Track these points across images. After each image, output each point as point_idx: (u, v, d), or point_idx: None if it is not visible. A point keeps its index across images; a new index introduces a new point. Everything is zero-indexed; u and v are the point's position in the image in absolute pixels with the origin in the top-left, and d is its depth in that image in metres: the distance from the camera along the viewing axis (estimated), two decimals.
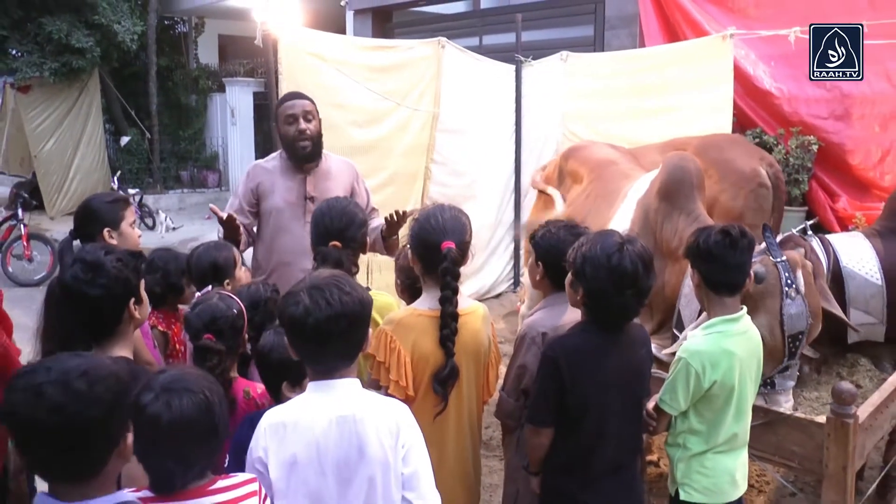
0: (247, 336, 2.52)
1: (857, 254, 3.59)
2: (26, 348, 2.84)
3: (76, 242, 2.96)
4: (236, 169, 15.29)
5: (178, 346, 3.08)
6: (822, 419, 2.75)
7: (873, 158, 6.72)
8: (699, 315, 2.75)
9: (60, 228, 11.03)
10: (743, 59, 7.11)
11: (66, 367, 1.45)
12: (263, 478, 1.86)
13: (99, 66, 13.08)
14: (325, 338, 1.90)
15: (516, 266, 7.93)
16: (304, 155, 3.70)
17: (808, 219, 6.54)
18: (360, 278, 2.89)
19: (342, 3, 11.85)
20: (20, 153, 13.49)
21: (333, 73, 5.77)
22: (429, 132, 6.79)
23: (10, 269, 9.08)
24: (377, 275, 3.76)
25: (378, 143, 6.27)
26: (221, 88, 15.68)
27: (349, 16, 11.93)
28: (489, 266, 7.79)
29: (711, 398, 2.47)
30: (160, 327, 3.07)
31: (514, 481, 2.69)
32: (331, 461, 1.88)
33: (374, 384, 2.49)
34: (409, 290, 2.90)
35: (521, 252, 7.40)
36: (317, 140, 3.73)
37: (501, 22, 9.71)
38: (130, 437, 1.54)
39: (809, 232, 3.83)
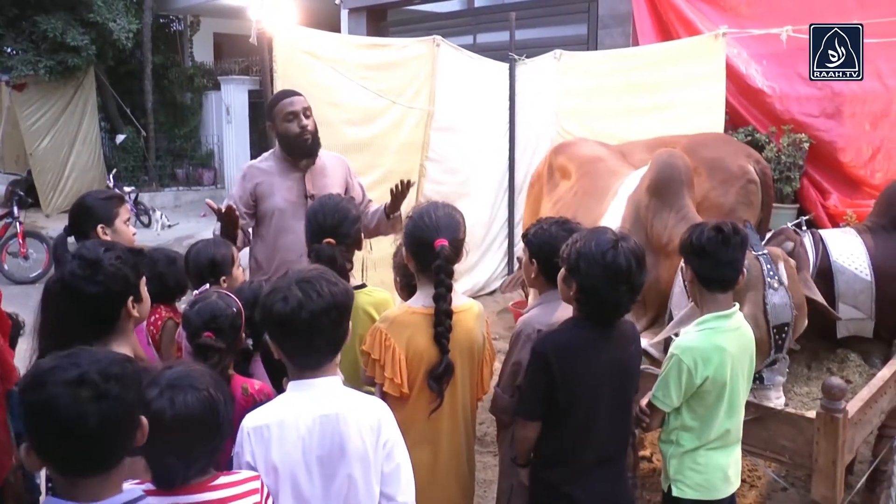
0: (244, 334, 2.53)
1: (847, 249, 3.62)
2: (23, 345, 2.85)
3: (71, 239, 2.97)
4: (231, 167, 15.28)
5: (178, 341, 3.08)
6: (812, 414, 2.77)
7: (864, 156, 6.76)
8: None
9: (56, 226, 11.00)
10: (735, 57, 7.14)
11: (96, 359, 1.41)
12: None
13: (94, 64, 13.07)
14: (317, 330, 1.92)
15: (510, 263, 7.96)
16: (306, 150, 3.71)
17: (799, 216, 6.59)
18: (353, 275, 2.91)
19: (336, 2, 11.85)
20: (16, 151, 13.50)
21: (328, 72, 5.78)
22: (423, 130, 6.80)
23: (5, 267, 9.08)
24: (371, 272, 3.76)
25: (373, 140, 6.28)
26: (217, 86, 15.67)
27: (344, 14, 11.93)
28: (483, 263, 7.81)
29: (703, 394, 2.49)
30: (176, 319, 3.07)
31: (509, 477, 2.70)
32: (315, 460, 1.90)
33: (369, 382, 2.51)
34: (406, 288, 2.91)
35: (516, 249, 7.44)
36: (315, 136, 3.74)
37: (495, 20, 9.73)
38: (146, 422, 1.50)
39: (804, 227, 3.85)
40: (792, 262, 3.14)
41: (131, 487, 1.69)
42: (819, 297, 3.27)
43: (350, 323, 2.05)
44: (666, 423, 2.61)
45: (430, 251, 2.41)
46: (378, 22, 11.85)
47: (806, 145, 6.96)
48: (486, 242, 7.78)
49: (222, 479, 1.75)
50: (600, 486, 2.40)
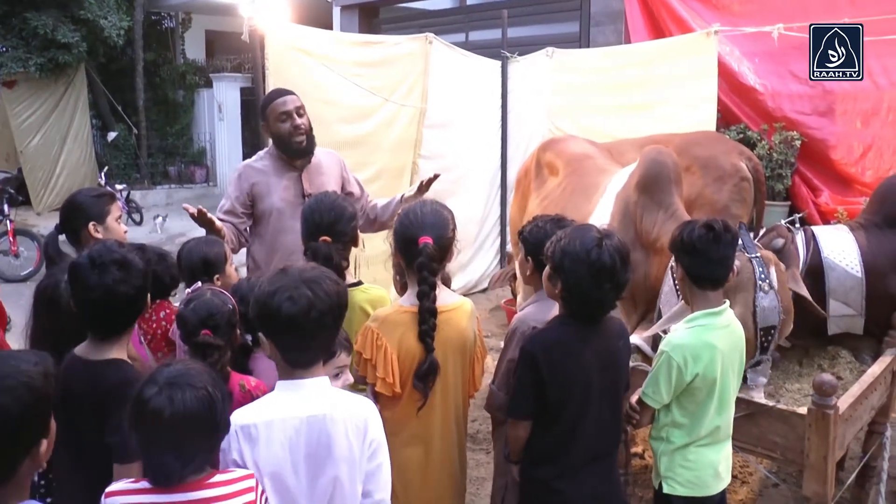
0: (239, 330, 2.52)
1: (838, 246, 3.63)
2: (14, 345, 2.84)
3: (62, 237, 2.96)
4: (224, 164, 15.26)
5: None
6: (803, 410, 2.78)
7: (855, 154, 6.79)
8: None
9: (47, 224, 10.95)
10: (727, 55, 7.17)
11: None
12: None
13: (85, 61, 13.04)
14: (320, 329, 1.93)
15: (503, 261, 7.96)
16: (301, 150, 3.69)
17: (791, 213, 6.61)
18: (348, 273, 2.90)
19: None
20: (6, 149, 13.44)
21: (321, 69, 5.77)
22: (416, 127, 6.80)
23: None
24: (364, 269, 3.77)
25: (365, 138, 6.28)
26: (209, 84, 15.64)
27: (336, 11, 11.92)
28: (476, 261, 7.81)
29: (693, 391, 2.49)
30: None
31: (504, 474, 2.71)
32: (301, 460, 1.90)
33: (361, 380, 2.51)
34: (404, 286, 2.91)
35: (508, 246, 7.44)
36: (310, 134, 3.72)
37: (488, 18, 9.71)
38: (45, 444, 1.47)
39: (797, 224, 3.87)
40: (783, 266, 3.16)
41: (124, 486, 1.70)
42: (806, 294, 3.29)
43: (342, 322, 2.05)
44: (656, 419, 2.62)
45: (415, 248, 2.41)
46: (370, 19, 11.83)
47: (797, 143, 6.99)
48: (478, 240, 7.79)
49: (218, 478, 1.75)
50: (591, 483, 2.40)
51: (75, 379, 2.02)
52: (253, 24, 5.31)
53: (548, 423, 2.37)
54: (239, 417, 1.90)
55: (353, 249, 2.96)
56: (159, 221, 12.01)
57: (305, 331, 1.91)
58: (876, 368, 3.25)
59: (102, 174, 12.47)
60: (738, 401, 2.70)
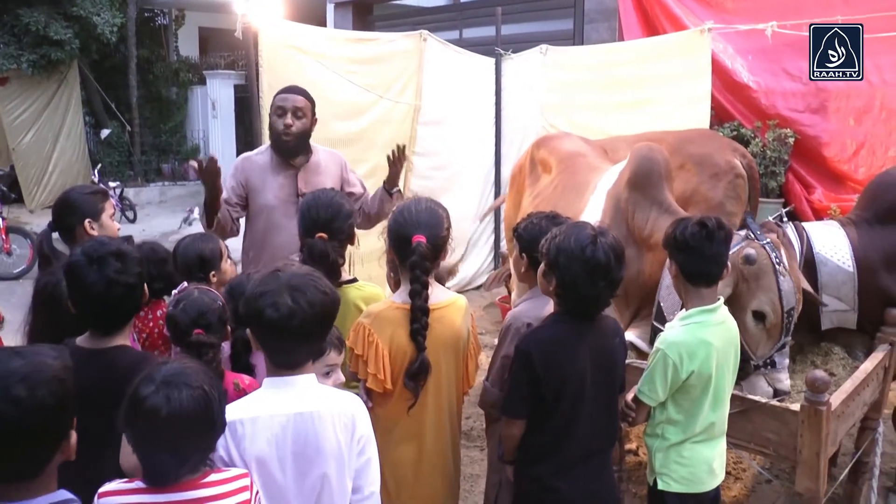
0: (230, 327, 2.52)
1: (830, 241, 3.64)
2: (8, 343, 2.84)
3: (55, 235, 2.95)
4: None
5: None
6: (796, 407, 2.79)
7: (848, 151, 6.82)
8: (681, 308, 2.79)
9: (40, 222, 10.92)
10: (721, 52, 7.19)
11: (5, 372, 1.41)
12: None
13: (78, 58, 12.96)
14: (304, 337, 1.93)
15: (496, 258, 7.97)
16: (286, 149, 3.69)
17: (784, 209, 6.64)
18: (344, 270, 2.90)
19: None
20: None
21: (315, 66, 5.76)
22: (410, 125, 6.80)
23: None
24: (359, 266, 3.76)
25: (360, 135, 6.27)
26: (202, 81, 15.59)
27: (329, 8, 11.90)
28: (470, 258, 7.82)
29: (689, 388, 2.50)
30: None
31: (498, 471, 2.71)
32: (288, 457, 1.90)
33: (353, 377, 2.51)
34: (398, 283, 2.91)
35: (502, 244, 7.44)
36: (301, 137, 3.70)
37: (481, 15, 9.72)
38: (74, 437, 1.51)
39: (785, 219, 3.88)
40: (788, 250, 3.19)
41: (118, 486, 1.69)
42: (806, 285, 3.31)
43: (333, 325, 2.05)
44: (651, 416, 2.62)
45: (408, 247, 2.41)
46: (364, 16, 11.83)
47: (791, 140, 7.01)
48: (473, 237, 7.79)
49: (213, 477, 1.74)
50: (586, 480, 2.41)
51: (82, 368, 2.01)
52: (246, 21, 5.30)
53: (543, 421, 2.37)
54: (227, 414, 1.89)
55: (349, 247, 2.95)
56: (194, 216, 11.44)
57: (286, 337, 1.91)
58: (868, 365, 3.26)
59: (96, 171, 12.41)
60: (732, 397, 2.71)
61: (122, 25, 13.37)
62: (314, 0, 11.90)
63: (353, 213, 2.94)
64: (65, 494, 1.51)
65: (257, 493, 1.81)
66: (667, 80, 6.66)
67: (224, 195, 3.72)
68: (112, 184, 12.14)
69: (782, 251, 3.09)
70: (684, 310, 2.63)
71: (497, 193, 7.88)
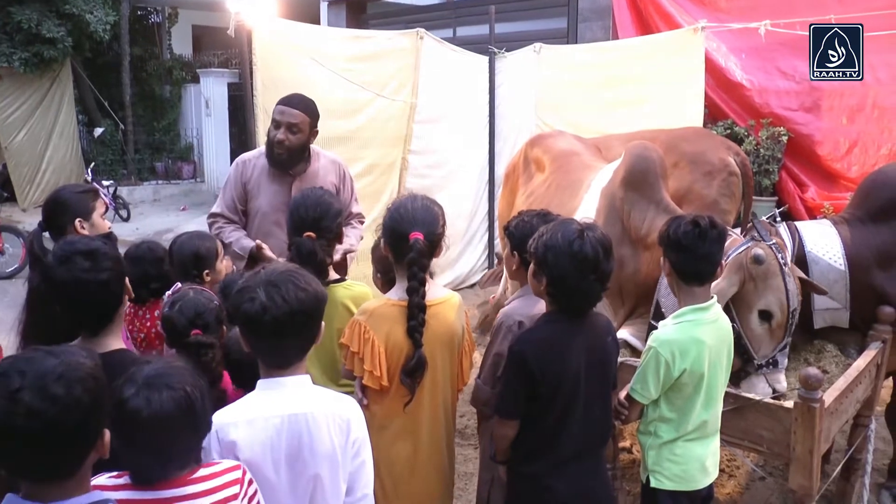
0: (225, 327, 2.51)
1: (822, 240, 3.65)
2: (3, 342, 2.82)
3: (46, 234, 2.94)
4: (211, 160, 15.18)
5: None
6: (789, 404, 2.80)
7: (841, 150, 6.85)
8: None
9: (33, 220, 10.84)
10: (714, 51, 7.20)
11: (41, 371, 1.39)
12: None
13: (71, 56, 12.90)
14: (282, 334, 1.92)
15: (491, 256, 7.97)
16: (277, 161, 3.68)
17: (778, 208, 6.66)
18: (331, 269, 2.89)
19: None
20: None
21: (309, 64, 5.75)
22: (406, 123, 6.80)
23: None
24: (353, 265, 3.75)
25: (355, 133, 6.27)
26: (196, 79, 15.54)
27: (323, 7, 11.88)
28: (465, 256, 7.82)
29: (681, 386, 2.50)
30: None
31: (490, 468, 2.71)
32: (282, 459, 1.90)
33: (348, 375, 2.51)
34: (386, 281, 2.91)
35: (497, 242, 7.45)
36: (294, 152, 3.68)
37: (475, 14, 9.70)
38: (108, 435, 1.51)
39: (778, 218, 3.90)
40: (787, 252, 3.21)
41: (106, 481, 1.68)
42: (802, 275, 3.34)
43: (322, 324, 2.03)
44: (644, 414, 2.63)
45: (405, 243, 2.41)
46: (358, 15, 11.81)
47: (784, 139, 7.03)
48: (467, 235, 7.79)
49: (202, 472, 1.72)
50: (579, 478, 2.41)
51: None
52: (240, 19, 5.28)
53: (537, 420, 2.38)
54: (218, 417, 1.89)
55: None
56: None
57: (264, 334, 1.91)
58: (861, 362, 3.27)
59: (89, 170, 12.38)
60: (725, 395, 2.71)
61: (115, 23, 13.32)
62: None
63: (341, 212, 2.93)
64: (100, 495, 1.51)
65: (251, 482, 1.79)
66: (660, 79, 6.67)
67: (229, 204, 3.75)
68: (105, 182, 12.11)
69: (786, 252, 3.11)
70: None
71: (491, 192, 7.88)
